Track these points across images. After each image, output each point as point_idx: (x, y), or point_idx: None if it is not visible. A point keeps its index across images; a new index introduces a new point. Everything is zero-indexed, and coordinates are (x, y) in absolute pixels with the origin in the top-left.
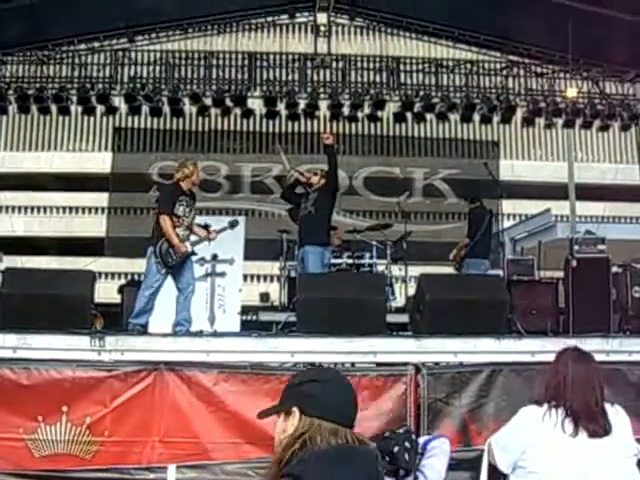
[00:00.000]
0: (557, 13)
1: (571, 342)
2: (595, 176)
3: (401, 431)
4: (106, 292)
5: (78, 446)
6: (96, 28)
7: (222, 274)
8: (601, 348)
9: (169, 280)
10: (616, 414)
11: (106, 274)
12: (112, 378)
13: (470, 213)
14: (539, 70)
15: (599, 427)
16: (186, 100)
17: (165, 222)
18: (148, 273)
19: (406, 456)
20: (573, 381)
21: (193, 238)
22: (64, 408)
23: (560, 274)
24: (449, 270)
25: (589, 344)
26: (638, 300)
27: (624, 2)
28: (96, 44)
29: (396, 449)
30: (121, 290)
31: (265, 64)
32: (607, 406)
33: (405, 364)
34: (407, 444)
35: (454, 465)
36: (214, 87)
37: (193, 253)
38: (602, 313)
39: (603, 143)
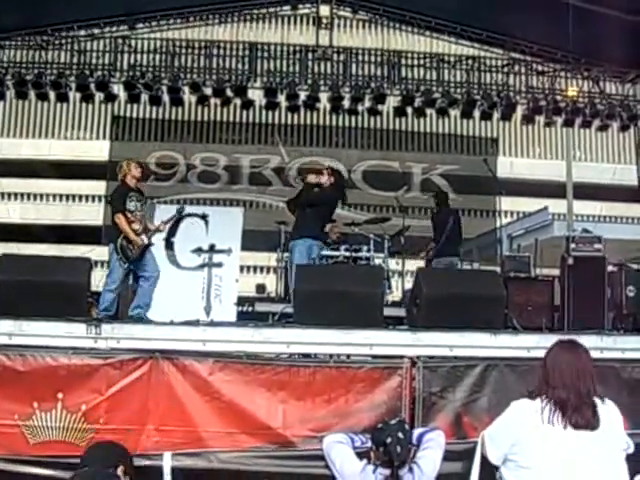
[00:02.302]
0: (559, 11)
1: (566, 339)
2: (593, 176)
3: (394, 422)
4: (103, 280)
5: (73, 433)
6: (96, 14)
7: (219, 264)
8: (595, 345)
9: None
10: (607, 408)
11: (102, 263)
12: (108, 366)
13: (433, 218)
14: (540, 68)
15: (586, 420)
16: (186, 89)
17: (120, 220)
18: (112, 269)
19: (398, 448)
20: (562, 371)
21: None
22: (59, 395)
23: (556, 272)
24: None
25: (583, 341)
26: (632, 299)
27: (626, 2)
28: (96, 30)
29: (389, 440)
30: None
31: (266, 55)
32: (597, 401)
33: (401, 357)
34: (400, 434)
35: (448, 457)
36: (214, 77)
37: (150, 244)
38: (597, 311)
39: (602, 143)
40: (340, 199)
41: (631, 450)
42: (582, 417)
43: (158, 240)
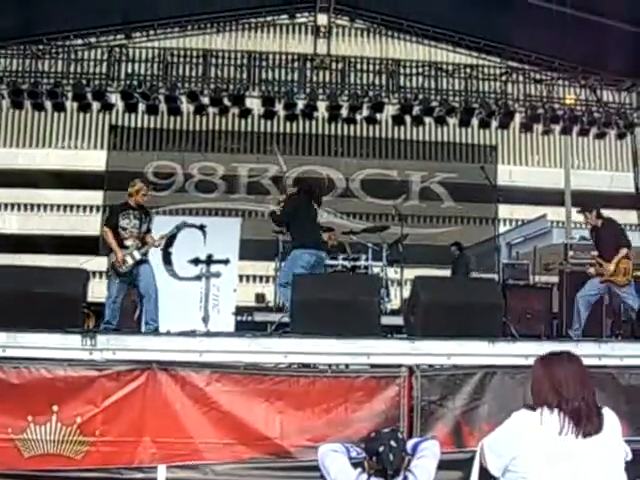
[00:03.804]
0: (557, 21)
1: (564, 346)
2: (591, 183)
3: (387, 430)
4: (101, 291)
5: (68, 446)
6: (92, 23)
7: (217, 274)
8: (593, 352)
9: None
10: (607, 415)
11: (101, 273)
12: (103, 377)
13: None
14: (538, 76)
15: (593, 427)
16: (183, 99)
17: (106, 235)
18: (108, 284)
19: (391, 456)
20: (568, 382)
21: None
22: (54, 408)
23: (555, 279)
24: (444, 273)
25: (582, 348)
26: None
27: (623, 12)
28: (92, 39)
29: (381, 449)
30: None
31: (264, 64)
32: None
33: (399, 366)
34: (393, 443)
35: (446, 465)
36: (212, 86)
37: (142, 261)
38: (595, 318)
39: (599, 151)
40: (308, 201)
41: (629, 458)
42: (592, 424)
43: (156, 252)
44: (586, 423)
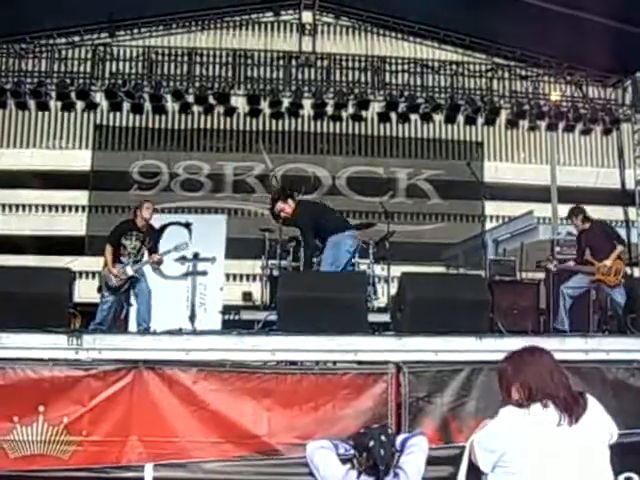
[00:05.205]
0: (542, 17)
1: (551, 342)
2: (577, 179)
3: (376, 426)
4: (87, 291)
5: (55, 446)
6: (76, 22)
7: (203, 273)
8: (580, 347)
9: (154, 283)
10: (589, 402)
11: (87, 273)
12: (90, 377)
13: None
14: (523, 73)
15: (579, 414)
16: (168, 97)
17: (106, 250)
18: (101, 296)
19: (381, 451)
20: (545, 377)
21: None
22: (41, 408)
23: (541, 275)
24: (431, 270)
25: (569, 344)
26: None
27: (608, 8)
28: (76, 38)
29: (372, 444)
30: (101, 289)
31: (249, 62)
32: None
33: (386, 363)
34: (383, 437)
35: (434, 461)
36: (197, 84)
37: (133, 277)
38: (582, 313)
39: (585, 147)
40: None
41: (613, 441)
42: (578, 411)
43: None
44: (575, 412)
